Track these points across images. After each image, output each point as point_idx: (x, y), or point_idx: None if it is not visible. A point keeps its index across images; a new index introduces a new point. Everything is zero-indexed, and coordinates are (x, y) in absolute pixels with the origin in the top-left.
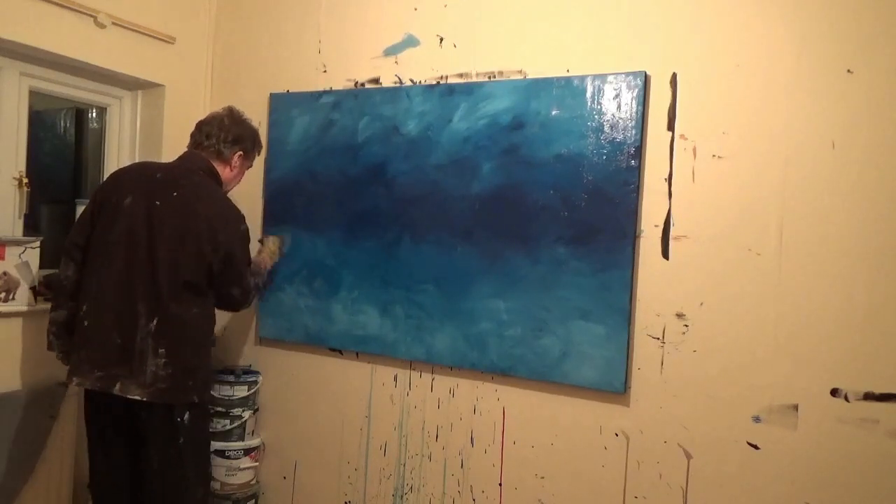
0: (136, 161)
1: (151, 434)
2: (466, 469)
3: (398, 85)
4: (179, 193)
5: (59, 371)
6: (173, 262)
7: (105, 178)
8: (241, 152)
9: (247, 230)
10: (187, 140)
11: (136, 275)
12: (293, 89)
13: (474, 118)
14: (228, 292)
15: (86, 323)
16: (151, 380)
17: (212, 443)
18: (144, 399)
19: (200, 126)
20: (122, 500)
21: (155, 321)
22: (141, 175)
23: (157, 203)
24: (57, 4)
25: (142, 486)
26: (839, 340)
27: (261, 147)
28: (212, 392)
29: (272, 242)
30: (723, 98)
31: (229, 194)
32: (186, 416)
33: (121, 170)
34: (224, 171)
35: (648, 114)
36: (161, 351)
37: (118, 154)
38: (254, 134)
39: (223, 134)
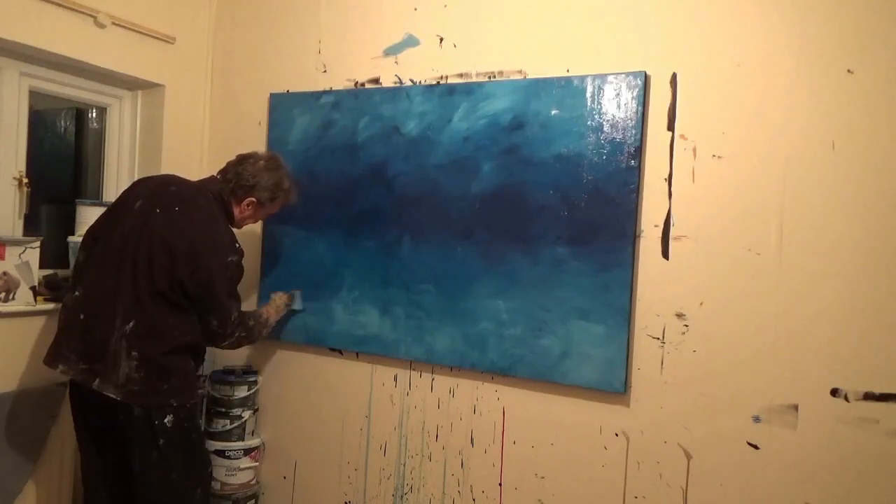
0: (164, 172)
1: (131, 436)
2: (466, 469)
3: (398, 85)
4: (180, 209)
5: (49, 367)
6: (149, 271)
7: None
8: (253, 199)
9: (236, 263)
10: (187, 140)
11: (122, 276)
12: (293, 89)
13: (474, 118)
14: (207, 320)
15: (81, 316)
16: (124, 381)
17: (211, 443)
18: (119, 398)
19: (238, 159)
20: (115, 495)
21: (131, 324)
22: (159, 184)
23: (157, 211)
24: (57, 4)
25: (131, 485)
26: (839, 340)
27: (288, 200)
28: (202, 393)
29: (279, 297)
30: (723, 98)
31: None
32: (168, 418)
33: (147, 176)
34: (235, 210)
35: (648, 114)
36: (134, 353)
37: (118, 154)
38: (276, 188)
39: (246, 176)
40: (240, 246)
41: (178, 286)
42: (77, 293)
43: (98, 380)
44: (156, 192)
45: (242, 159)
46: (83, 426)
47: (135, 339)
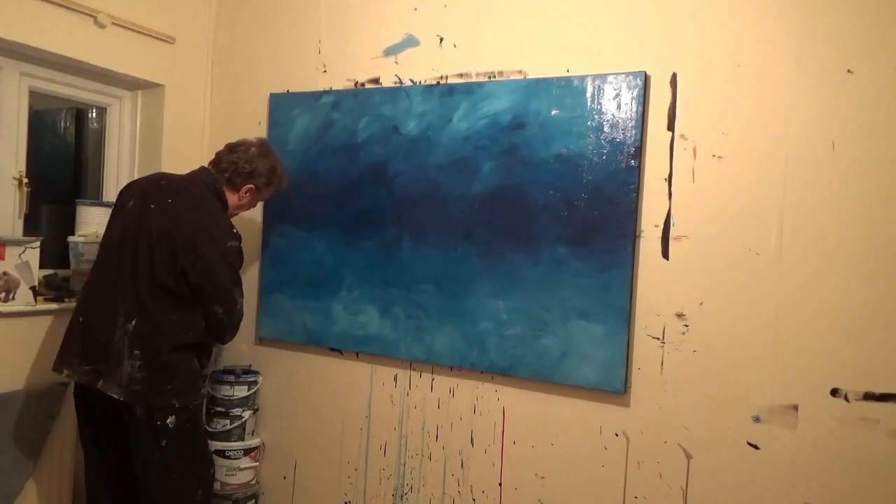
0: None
1: (133, 436)
2: (466, 469)
3: (398, 85)
4: (173, 201)
5: (56, 373)
6: (151, 266)
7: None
8: (251, 186)
9: (235, 249)
10: (187, 140)
11: (121, 275)
12: (293, 89)
13: (474, 118)
14: (213, 310)
15: (81, 319)
16: (127, 381)
17: (211, 443)
18: (122, 399)
19: (228, 148)
20: (117, 496)
21: (133, 322)
22: (150, 181)
23: (151, 206)
24: (57, 4)
25: (132, 487)
26: (839, 340)
27: (280, 185)
28: (206, 392)
29: None
30: (723, 98)
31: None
32: (170, 419)
33: (139, 178)
34: (231, 198)
35: (648, 114)
36: (136, 353)
37: (118, 154)
38: (272, 173)
39: (242, 163)
40: (238, 231)
41: (182, 277)
42: (78, 298)
43: (101, 380)
44: (146, 189)
45: (233, 148)
46: (87, 427)
47: (137, 337)
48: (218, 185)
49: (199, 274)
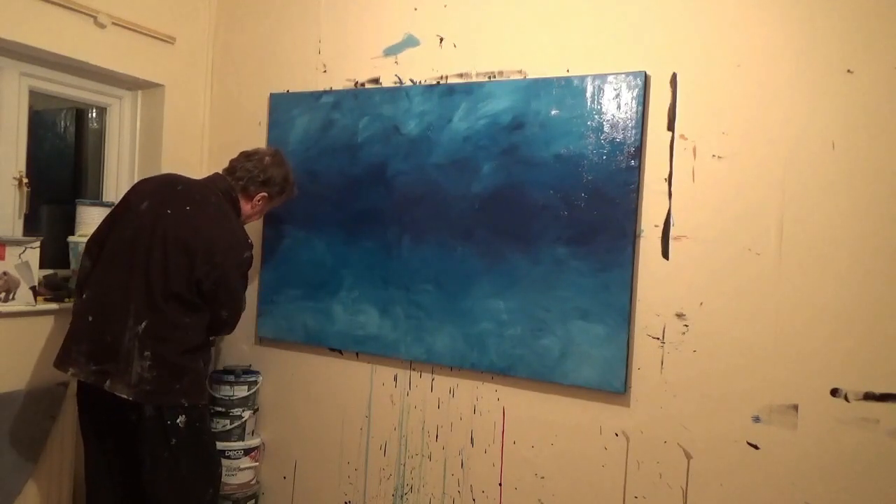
0: (166, 172)
1: (142, 435)
2: (466, 469)
3: (398, 85)
4: (191, 208)
5: (59, 371)
6: (165, 272)
7: (134, 182)
8: (265, 195)
9: (249, 259)
10: (187, 140)
11: (133, 277)
12: (293, 89)
13: (474, 118)
14: (217, 314)
15: (90, 318)
16: (137, 380)
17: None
18: (131, 398)
19: (243, 156)
20: (118, 497)
21: (144, 323)
22: (163, 184)
23: (168, 212)
24: (57, 4)
25: (137, 485)
26: (839, 340)
27: (292, 193)
28: (210, 393)
29: None
30: (723, 98)
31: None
32: (180, 419)
33: (150, 177)
34: (245, 206)
35: (648, 114)
36: (147, 353)
37: (118, 154)
38: (285, 182)
39: (256, 172)
40: (251, 241)
41: (196, 285)
42: (84, 296)
43: (109, 380)
44: (162, 192)
45: (248, 156)
46: (90, 427)
47: (147, 339)
48: (233, 192)
49: (213, 282)
